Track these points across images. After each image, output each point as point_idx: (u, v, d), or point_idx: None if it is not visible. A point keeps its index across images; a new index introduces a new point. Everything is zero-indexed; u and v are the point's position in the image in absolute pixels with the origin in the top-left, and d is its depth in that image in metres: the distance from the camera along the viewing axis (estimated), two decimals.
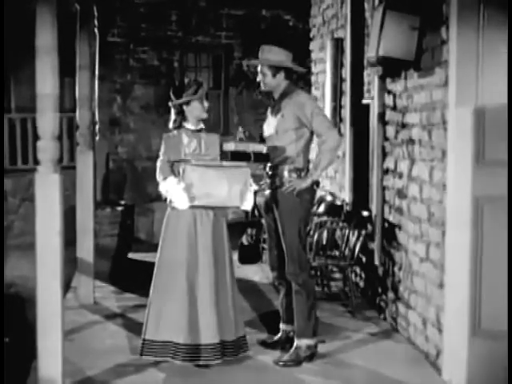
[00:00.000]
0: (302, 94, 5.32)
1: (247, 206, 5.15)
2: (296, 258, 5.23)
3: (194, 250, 5.08)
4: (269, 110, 5.45)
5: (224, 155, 5.18)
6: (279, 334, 5.59)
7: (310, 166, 5.33)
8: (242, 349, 5.20)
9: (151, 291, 5.15)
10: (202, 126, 5.25)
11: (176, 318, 5.02)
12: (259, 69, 5.33)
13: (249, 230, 5.31)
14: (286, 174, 5.23)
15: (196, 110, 5.18)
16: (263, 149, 5.25)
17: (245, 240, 5.26)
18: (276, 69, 5.26)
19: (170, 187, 5.09)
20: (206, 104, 5.20)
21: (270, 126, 5.36)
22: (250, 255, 5.38)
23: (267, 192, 5.33)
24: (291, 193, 5.17)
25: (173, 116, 5.24)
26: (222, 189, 5.00)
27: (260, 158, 5.21)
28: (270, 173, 5.30)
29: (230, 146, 5.20)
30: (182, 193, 4.99)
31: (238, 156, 5.16)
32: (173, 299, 5.05)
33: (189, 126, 5.20)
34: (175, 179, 5.07)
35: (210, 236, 5.11)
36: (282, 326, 5.58)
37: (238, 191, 5.04)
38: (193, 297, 5.03)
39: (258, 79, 5.37)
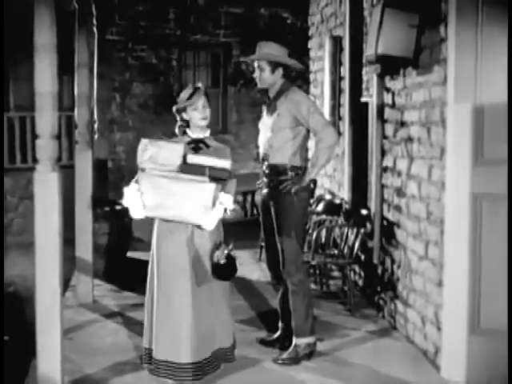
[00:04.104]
0: (298, 92, 5.27)
1: (208, 225, 4.54)
2: (292, 258, 5.21)
3: (170, 267, 4.59)
4: (264, 108, 5.41)
5: (185, 167, 4.51)
6: (278, 333, 5.59)
7: (308, 164, 5.32)
8: (222, 360, 4.75)
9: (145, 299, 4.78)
10: (206, 134, 4.76)
11: (155, 333, 4.59)
12: (256, 64, 5.26)
13: (222, 246, 4.65)
14: (283, 172, 5.21)
15: (193, 117, 4.71)
16: (226, 165, 4.56)
17: (215, 258, 4.60)
18: (275, 65, 5.22)
19: (128, 194, 4.65)
20: (204, 111, 4.70)
21: (265, 125, 5.31)
22: (222, 273, 4.65)
23: (264, 191, 5.32)
24: (289, 192, 5.14)
25: (178, 122, 4.83)
26: (178, 202, 4.44)
27: (217, 173, 4.51)
28: (267, 171, 5.28)
29: (194, 159, 4.56)
30: (136, 201, 4.58)
31: (192, 169, 4.51)
32: (153, 312, 4.63)
33: (190, 133, 4.77)
34: (136, 186, 4.61)
35: (186, 252, 4.58)
36: (280, 324, 5.58)
37: (199, 208, 4.45)
38: (169, 312, 4.56)
39: (254, 75, 5.32)
